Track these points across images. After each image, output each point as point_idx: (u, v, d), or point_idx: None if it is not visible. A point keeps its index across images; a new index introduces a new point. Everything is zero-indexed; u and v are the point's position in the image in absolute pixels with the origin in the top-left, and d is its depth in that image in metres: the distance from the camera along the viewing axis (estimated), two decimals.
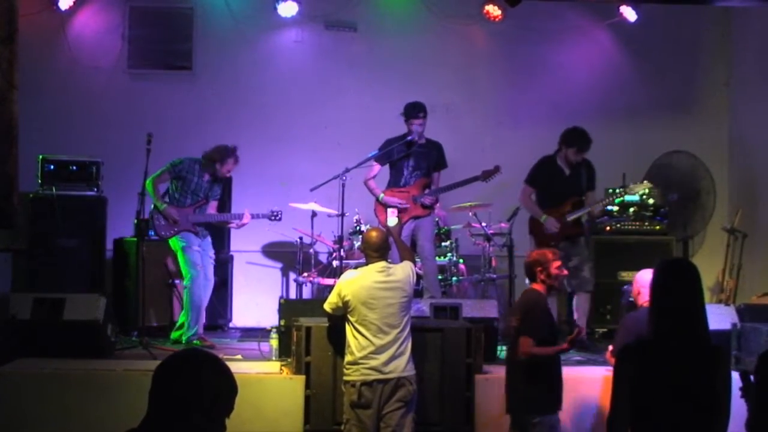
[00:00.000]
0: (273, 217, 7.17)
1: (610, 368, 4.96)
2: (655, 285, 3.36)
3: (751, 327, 5.69)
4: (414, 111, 7.14)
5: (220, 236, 7.78)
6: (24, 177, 6.58)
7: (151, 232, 7.16)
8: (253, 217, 7.05)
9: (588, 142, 6.92)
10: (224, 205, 7.69)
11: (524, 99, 8.94)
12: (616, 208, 8.04)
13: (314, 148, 8.64)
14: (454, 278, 7.81)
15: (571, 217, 6.85)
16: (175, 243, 6.91)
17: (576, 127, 7.00)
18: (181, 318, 6.93)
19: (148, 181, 6.74)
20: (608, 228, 8.03)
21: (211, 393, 2.36)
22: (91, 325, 5.98)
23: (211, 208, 7.13)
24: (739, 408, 3.41)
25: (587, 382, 5.56)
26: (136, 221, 7.18)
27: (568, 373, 5.87)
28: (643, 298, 5.16)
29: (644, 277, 5.24)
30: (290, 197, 7.55)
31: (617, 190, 7.46)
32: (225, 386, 2.41)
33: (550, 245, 6.69)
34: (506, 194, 7.94)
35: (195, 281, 6.82)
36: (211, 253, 7.08)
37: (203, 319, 6.97)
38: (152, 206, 6.94)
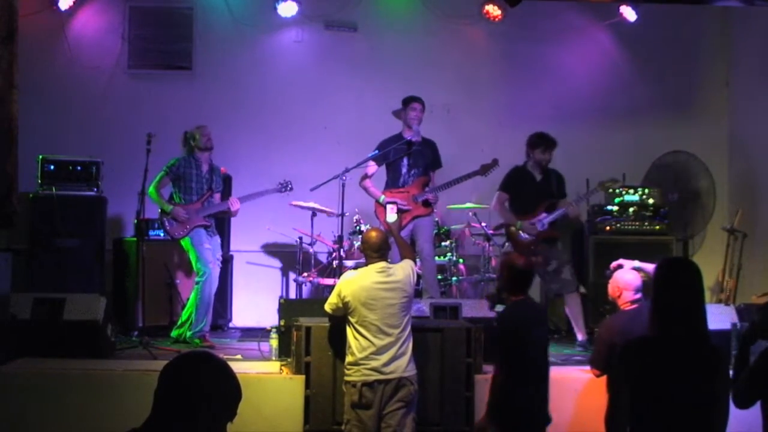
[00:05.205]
0: (283, 189, 7.20)
1: None
2: (657, 284, 3.35)
3: None
4: (412, 97, 7.23)
5: (220, 236, 7.77)
6: (24, 177, 6.56)
7: (161, 233, 7.24)
8: (259, 195, 7.09)
9: (551, 140, 7.01)
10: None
11: (524, 99, 8.93)
12: (616, 207, 8.04)
13: (314, 147, 8.65)
14: (454, 278, 7.81)
15: (547, 221, 6.87)
16: (186, 243, 6.91)
17: (537, 131, 7.09)
18: (183, 315, 6.94)
19: (151, 190, 6.76)
20: (608, 228, 8.02)
21: (215, 397, 2.36)
22: (91, 325, 5.98)
23: (216, 200, 7.14)
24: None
25: (586, 382, 5.55)
26: (136, 221, 7.18)
27: (568, 372, 5.91)
28: (623, 300, 5.03)
29: (625, 277, 5.11)
30: (290, 197, 7.55)
31: (590, 189, 7.38)
32: (230, 391, 2.40)
33: (530, 249, 6.68)
34: None
35: (207, 278, 6.83)
36: (219, 254, 7.09)
37: (210, 318, 6.97)
38: (159, 211, 6.96)
